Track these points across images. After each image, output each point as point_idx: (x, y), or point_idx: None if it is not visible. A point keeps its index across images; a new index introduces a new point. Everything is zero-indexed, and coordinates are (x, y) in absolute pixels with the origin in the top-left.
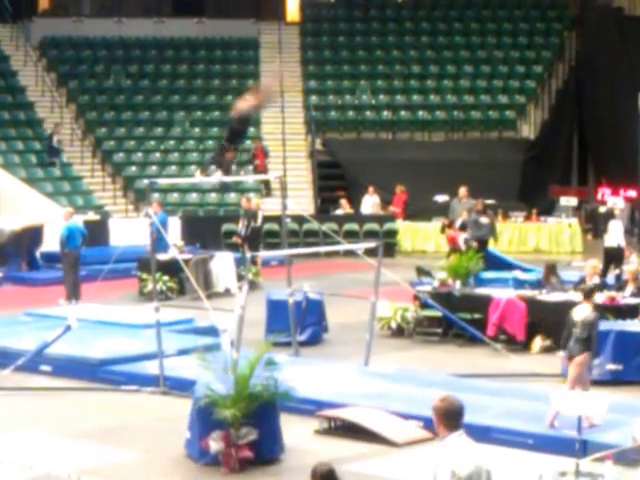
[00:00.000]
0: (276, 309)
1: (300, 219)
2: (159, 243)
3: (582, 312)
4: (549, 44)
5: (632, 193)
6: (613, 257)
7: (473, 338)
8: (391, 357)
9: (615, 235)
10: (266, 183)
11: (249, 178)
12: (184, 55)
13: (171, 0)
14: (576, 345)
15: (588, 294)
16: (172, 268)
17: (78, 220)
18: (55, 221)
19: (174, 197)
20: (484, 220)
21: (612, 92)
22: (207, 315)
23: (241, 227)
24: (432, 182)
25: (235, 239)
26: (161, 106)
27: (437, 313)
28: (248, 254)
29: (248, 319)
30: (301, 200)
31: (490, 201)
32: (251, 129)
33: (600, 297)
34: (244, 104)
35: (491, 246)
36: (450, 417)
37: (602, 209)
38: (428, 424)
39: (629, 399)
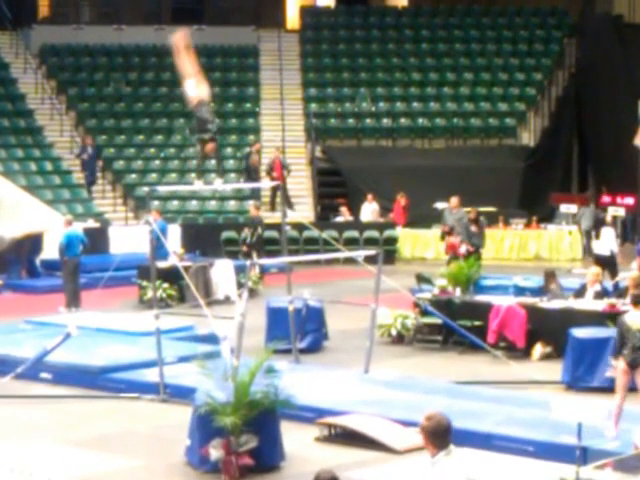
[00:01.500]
0: (276, 316)
1: (300, 226)
2: (159, 251)
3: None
4: (549, 51)
5: (630, 200)
6: (605, 264)
7: (473, 345)
8: (391, 364)
9: (607, 242)
10: (283, 190)
11: (247, 186)
12: None
13: (171, 7)
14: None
15: (638, 301)
16: (172, 276)
17: (77, 228)
18: (55, 229)
19: (174, 205)
20: (473, 229)
21: (612, 99)
22: (207, 322)
23: (247, 234)
24: (432, 189)
25: (244, 248)
26: (161, 113)
27: (437, 320)
28: (248, 261)
29: (248, 326)
30: (301, 207)
31: (490, 208)
32: (251, 136)
33: (600, 304)
34: (190, 90)
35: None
36: (438, 436)
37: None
38: None
39: (630, 406)
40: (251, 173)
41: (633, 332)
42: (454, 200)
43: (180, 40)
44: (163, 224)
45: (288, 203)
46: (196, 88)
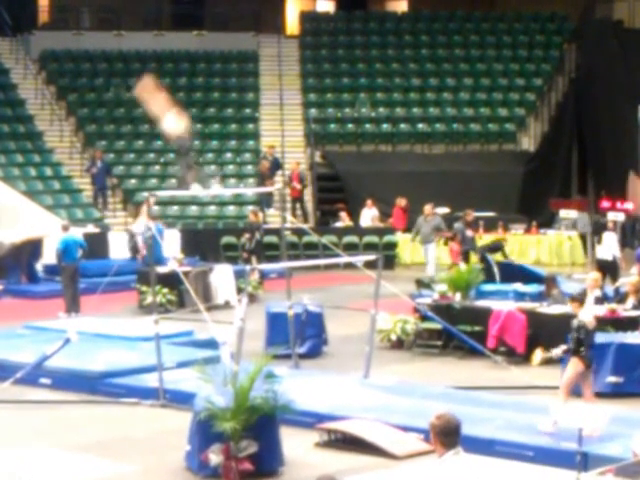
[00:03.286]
0: (276, 321)
1: (300, 231)
2: (154, 255)
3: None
4: (549, 57)
5: (630, 205)
6: (607, 269)
7: (473, 350)
8: (391, 369)
9: (609, 247)
10: (301, 203)
11: (248, 191)
12: (184, 68)
13: (171, 13)
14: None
15: (582, 299)
16: (172, 281)
17: (75, 232)
18: (55, 234)
19: (174, 210)
20: (469, 234)
21: (612, 104)
22: (207, 328)
23: (246, 240)
24: (432, 195)
25: (244, 254)
26: None
27: (437, 325)
28: (247, 266)
29: (248, 331)
30: (301, 212)
31: (490, 213)
32: (250, 142)
33: (601, 309)
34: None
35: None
36: (447, 434)
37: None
38: (428, 437)
39: (630, 412)
40: (258, 179)
41: (591, 332)
42: (428, 207)
43: (144, 90)
44: (160, 228)
45: (293, 212)
46: (176, 122)
